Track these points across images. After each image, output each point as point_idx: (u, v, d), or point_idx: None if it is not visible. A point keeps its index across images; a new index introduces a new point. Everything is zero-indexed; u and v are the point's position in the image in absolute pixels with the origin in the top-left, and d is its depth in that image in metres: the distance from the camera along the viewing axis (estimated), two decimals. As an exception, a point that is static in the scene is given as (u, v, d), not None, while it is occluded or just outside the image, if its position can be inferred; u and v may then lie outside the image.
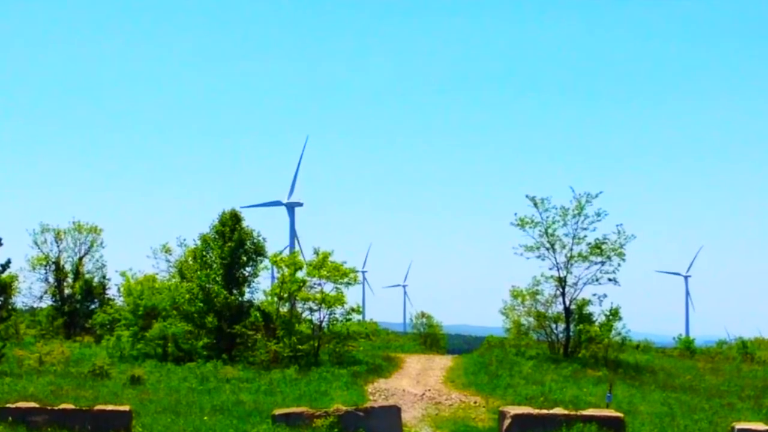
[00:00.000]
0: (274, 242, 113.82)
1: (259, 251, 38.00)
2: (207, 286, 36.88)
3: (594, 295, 38.77)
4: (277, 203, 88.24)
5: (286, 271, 37.38)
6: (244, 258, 37.67)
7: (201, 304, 36.74)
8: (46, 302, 50.50)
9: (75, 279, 50.42)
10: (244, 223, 38.10)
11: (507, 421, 19.36)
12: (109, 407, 19.86)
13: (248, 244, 37.69)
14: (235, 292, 37.23)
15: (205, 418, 21.49)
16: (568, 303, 38.67)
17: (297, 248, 73.06)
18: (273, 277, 41.10)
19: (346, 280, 37.40)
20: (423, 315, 57.66)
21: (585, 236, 38.32)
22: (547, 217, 38.46)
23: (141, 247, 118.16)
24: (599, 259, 38.23)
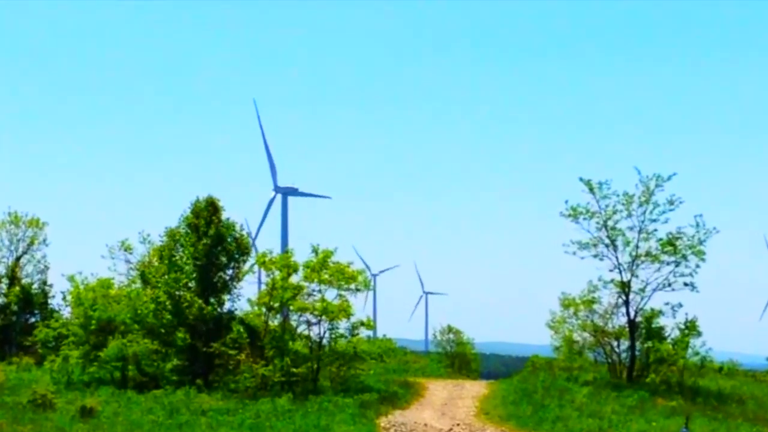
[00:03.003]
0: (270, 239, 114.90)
1: (242, 249, 37.97)
2: (177, 293, 36.87)
3: (666, 304, 38.78)
4: (271, 202, 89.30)
5: (278, 274, 37.37)
6: (224, 258, 37.66)
7: (169, 317, 36.76)
8: (-26, 314, 50.69)
9: (10, 285, 50.59)
10: (224, 215, 38.11)
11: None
12: (54, 446, 19.87)
13: (229, 240, 37.67)
14: (212, 301, 37.25)
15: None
16: (633, 314, 38.59)
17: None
18: (260, 283, 41.12)
19: (353, 285, 37.36)
20: (450, 330, 57.86)
21: (655, 230, 38.31)
22: (607, 206, 38.46)
23: (94, 245, 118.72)
24: (672, 258, 38.15)
